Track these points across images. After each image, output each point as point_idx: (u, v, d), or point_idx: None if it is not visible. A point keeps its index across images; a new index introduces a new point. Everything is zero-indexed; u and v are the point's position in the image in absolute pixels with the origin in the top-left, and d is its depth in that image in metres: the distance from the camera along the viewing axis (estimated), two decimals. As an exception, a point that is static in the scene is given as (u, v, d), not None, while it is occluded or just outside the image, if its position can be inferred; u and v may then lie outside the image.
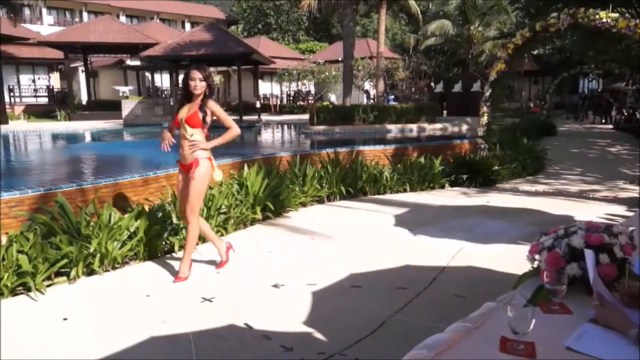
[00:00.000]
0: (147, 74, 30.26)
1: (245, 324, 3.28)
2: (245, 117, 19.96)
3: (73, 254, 4.06)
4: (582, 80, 34.95)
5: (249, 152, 8.86)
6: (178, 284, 4.02)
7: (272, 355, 2.90)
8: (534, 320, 1.47)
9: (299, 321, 3.32)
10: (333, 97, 30.92)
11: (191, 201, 4.05)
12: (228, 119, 4.14)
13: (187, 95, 3.98)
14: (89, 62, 26.45)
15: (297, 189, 6.64)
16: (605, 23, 6.86)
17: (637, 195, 7.20)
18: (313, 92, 32.57)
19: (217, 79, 36.16)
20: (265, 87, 34.77)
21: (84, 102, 27.64)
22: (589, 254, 1.78)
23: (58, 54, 24.91)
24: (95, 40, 22.89)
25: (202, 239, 5.09)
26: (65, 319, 3.41)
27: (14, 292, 3.77)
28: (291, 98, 34.78)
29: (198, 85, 3.87)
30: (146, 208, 4.97)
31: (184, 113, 3.96)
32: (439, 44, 27.44)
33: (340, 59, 19.66)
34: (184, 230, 4.87)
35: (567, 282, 1.75)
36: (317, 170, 7.23)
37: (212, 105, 4.00)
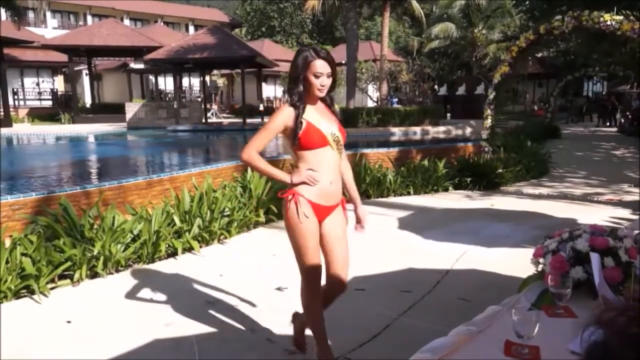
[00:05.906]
0: (151, 77, 30.34)
1: (249, 327, 3.28)
2: (248, 120, 20.02)
3: (77, 257, 4.07)
4: (587, 83, 34.83)
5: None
6: (183, 284, 4.01)
7: (276, 358, 2.89)
8: (538, 324, 1.46)
9: (302, 324, 3.31)
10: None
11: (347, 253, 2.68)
12: None
13: (302, 96, 2.40)
14: (93, 65, 26.55)
15: (301, 191, 6.63)
16: (610, 26, 6.85)
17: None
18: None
19: (220, 82, 36.29)
20: (269, 90, 34.82)
21: (88, 105, 27.74)
22: (594, 258, 1.77)
23: (62, 57, 25.01)
24: (99, 43, 22.98)
25: (206, 241, 5.09)
26: (69, 321, 3.41)
27: (17, 295, 3.78)
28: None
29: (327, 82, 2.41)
30: (150, 211, 4.97)
31: (328, 123, 2.46)
32: (443, 46, 27.43)
33: (343, 62, 19.62)
34: (187, 233, 4.87)
35: (572, 286, 1.74)
36: (321, 173, 7.21)
37: None
